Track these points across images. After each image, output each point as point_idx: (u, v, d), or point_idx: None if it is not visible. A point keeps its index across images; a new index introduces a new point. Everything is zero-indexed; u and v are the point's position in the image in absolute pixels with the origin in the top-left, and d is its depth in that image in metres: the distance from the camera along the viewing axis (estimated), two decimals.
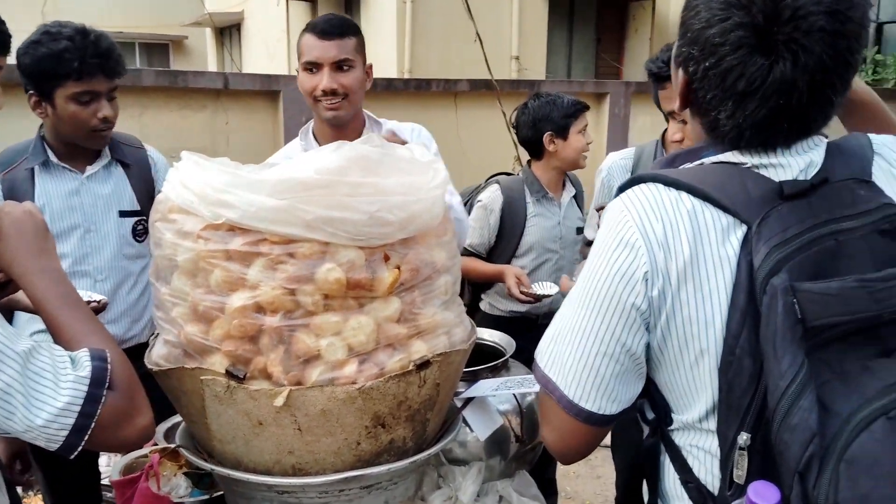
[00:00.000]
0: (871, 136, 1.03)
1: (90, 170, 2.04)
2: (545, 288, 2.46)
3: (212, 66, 14.39)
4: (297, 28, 10.96)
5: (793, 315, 0.84)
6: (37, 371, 0.95)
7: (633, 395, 1.03)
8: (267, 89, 5.22)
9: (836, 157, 0.96)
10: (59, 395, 0.95)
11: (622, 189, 1.03)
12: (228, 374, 1.11)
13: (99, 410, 0.98)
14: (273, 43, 11.54)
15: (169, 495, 1.30)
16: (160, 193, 1.24)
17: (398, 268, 1.18)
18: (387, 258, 1.17)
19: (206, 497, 1.36)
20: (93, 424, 0.97)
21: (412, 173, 1.22)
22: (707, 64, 0.93)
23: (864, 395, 0.84)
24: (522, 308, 2.55)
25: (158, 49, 16.21)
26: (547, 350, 1.05)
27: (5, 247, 1.08)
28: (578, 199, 2.74)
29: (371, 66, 2.03)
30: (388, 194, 1.15)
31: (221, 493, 1.35)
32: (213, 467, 1.21)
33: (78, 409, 0.96)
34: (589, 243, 2.54)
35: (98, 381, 0.99)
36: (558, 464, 3.07)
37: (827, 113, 0.95)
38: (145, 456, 1.47)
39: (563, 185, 2.70)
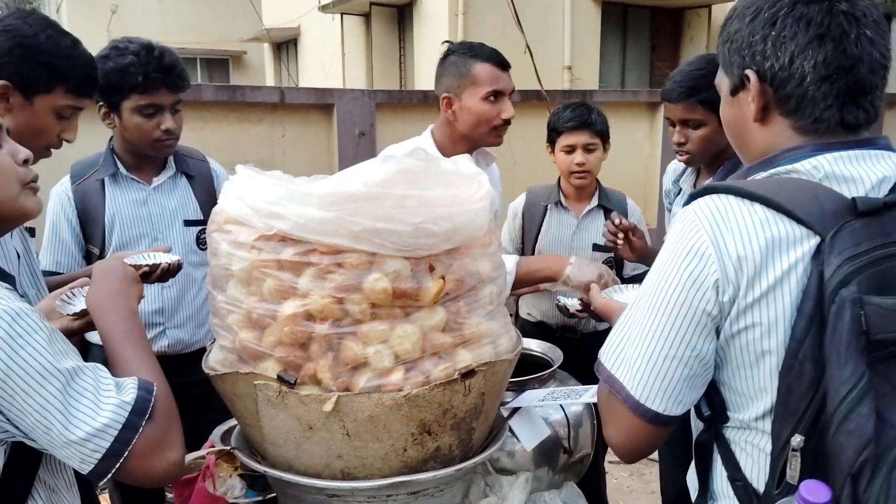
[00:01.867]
0: None
1: (156, 181, 2.14)
2: (575, 301, 2.42)
3: (269, 81, 14.77)
4: (351, 43, 11.19)
5: (858, 326, 0.88)
6: (78, 390, 1.00)
7: (696, 397, 1.07)
8: (322, 103, 5.33)
9: None
10: (98, 415, 0.99)
11: (693, 197, 1.07)
12: (280, 379, 1.15)
13: (135, 439, 1.01)
14: (328, 58, 11.78)
15: (225, 496, 1.35)
16: (217, 205, 1.29)
17: (443, 278, 1.20)
18: (432, 268, 1.20)
19: (260, 498, 1.40)
20: (126, 452, 1.01)
21: (457, 185, 1.24)
22: (786, 57, 1.02)
23: None
24: (555, 315, 2.55)
25: (219, 64, 16.73)
26: (614, 351, 1.09)
27: (93, 290, 1.22)
28: (612, 215, 2.61)
29: None
30: (433, 206, 1.17)
31: (274, 494, 1.39)
32: (266, 470, 1.25)
33: (115, 433, 1.00)
34: None
35: (139, 411, 1.03)
36: (610, 479, 3.04)
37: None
38: (202, 457, 1.52)
39: (592, 197, 2.63)
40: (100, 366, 1.06)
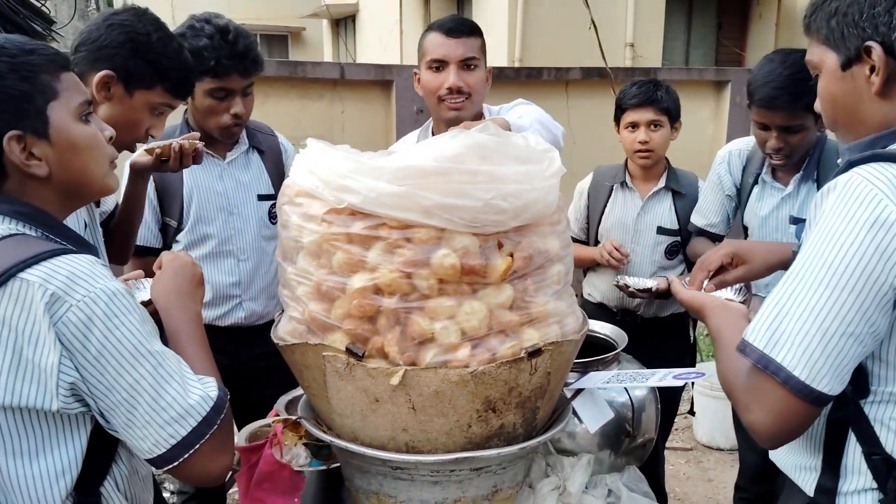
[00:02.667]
0: None
1: (230, 156, 2.17)
2: (640, 282, 2.38)
3: (327, 57, 14.87)
4: (409, 18, 11.16)
5: None
6: (166, 374, 1.03)
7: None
8: (381, 79, 5.34)
9: None
10: (186, 399, 1.04)
11: (853, 164, 1.04)
12: (348, 351, 1.17)
13: (208, 435, 1.05)
14: (386, 34, 11.77)
15: (290, 463, 1.38)
16: (288, 178, 1.30)
17: (511, 255, 1.19)
18: (500, 245, 1.19)
19: (324, 467, 1.43)
20: (198, 445, 1.05)
21: (527, 161, 1.23)
22: None
23: None
24: (615, 297, 2.52)
25: (278, 40, 16.90)
26: (768, 330, 1.04)
27: (161, 284, 1.25)
28: (680, 199, 2.51)
29: (490, 69, 2.07)
30: (504, 182, 1.16)
31: (338, 464, 1.41)
32: (333, 440, 1.27)
33: (194, 423, 1.04)
34: (699, 231, 2.42)
35: (218, 409, 1.08)
36: (667, 465, 3.00)
37: None
38: (268, 425, 1.56)
39: (660, 178, 2.53)
40: (177, 354, 1.10)
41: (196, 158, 1.81)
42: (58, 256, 1.01)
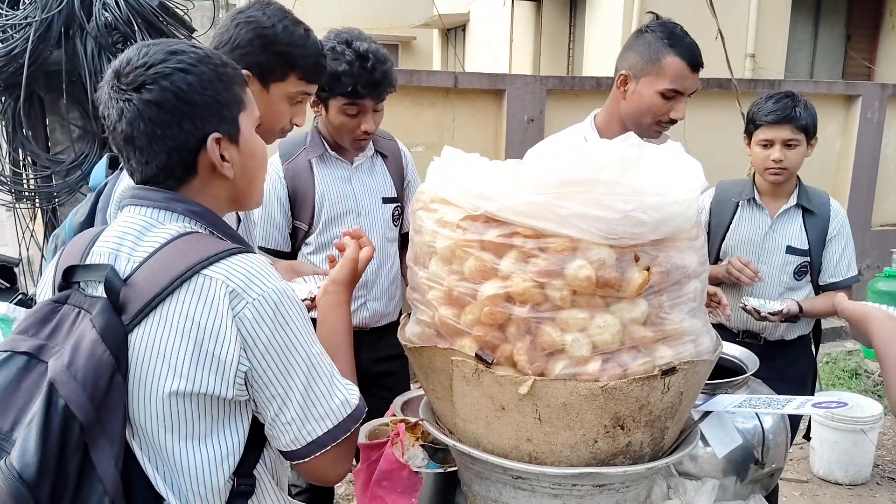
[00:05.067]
0: None
1: (357, 160, 2.25)
2: (768, 305, 2.26)
3: (436, 66, 15.08)
4: (520, 28, 11.15)
5: None
6: (319, 374, 1.11)
7: None
8: (493, 88, 5.36)
9: None
10: (331, 401, 1.11)
11: None
12: (478, 357, 1.17)
13: (340, 439, 1.11)
14: (496, 43, 11.82)
15: (408, 463, 1.40)
16: (423, 184, 1.33)
17: (648, 269, 1.16)
18: (637, 259, 1.16)
19: (441, 470, 1.44)
20: (329, 447, 1.10)
21: (668, 174, 1.20)
22: None
23: None
24: (737, 318, 2.41)
25: (390, 49, 17.24)
26: None
27: (335, 291, 1.36)
28: (811, 217, 2.40)
29: None
30: (644, 194, 1.13)
31: (454, 468, 1.42)
32: (455, 443, 1.27)
33: (331, 425, 1.10)
34: None
35: (356, 417, 1.14)
36: (780, 497, 2.84)
37: None
38: (386, 425, 1.59)
39: (790, 196, 2.41)
40: (327, 355, 1.15)
41: None
42: (235, 255, 1.07)
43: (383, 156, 2.29)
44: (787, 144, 2.30)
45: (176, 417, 1.05)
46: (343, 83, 2.01)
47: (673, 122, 1.99)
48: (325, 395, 1.10)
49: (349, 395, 1.14)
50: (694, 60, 1.93)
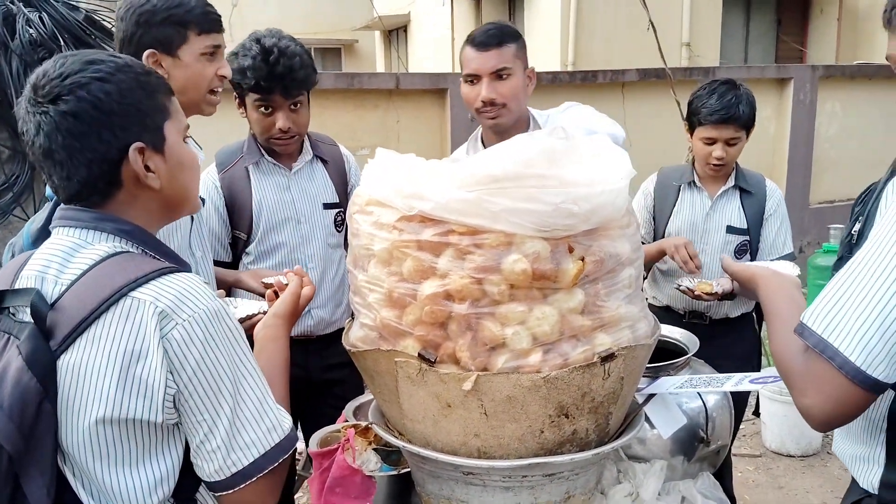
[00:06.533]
0: None
1: (296, 166, 2.23)
2: (703, 284, 2.30)
3: (380, 67, 15.05)
4: (461, 26, 11.20)
5: None
6: (245, 400, 1.06)
7: None
8: (435, 87, 5.39)
9: None
10: (259, 427, 1.06)
11: None
12: (420, 357, 1.17)
13: (267, 471, 1.06)
14: (438, 43, 11.85)
15: (361, 468, 1.40)
16: (358, 187, 1.32)
17: (582, 259, 1.18)
18: (571, 250, 1.18)
19: (395, 472, 1.44)
20: (254, 479, 1.05)
21: (596, 164, 1.22)
22: None
23: None
24: (682, 299, 2.47)
25: (332, 53, 17.20)
26: (828, 315, 1.05)
27: (275, 322, 1.33)
28: (748, 197, 2.47)
29: (533, 70, 2.08)
30: (573, 186, 1.15)
31: (408, 469, 1.42)
32: (405, 445, 1.28)
33: (257, 455, 1.06)
34: None
35: (284, 448, 1.09)
36: (735, 472, 2.93)
37: None
38: (338, 431, 1.58)
39: (728, 178, 2.49)
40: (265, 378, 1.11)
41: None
42: (165, 275, 1.04)
43: (323, 161, 2.27)
44: (728, 143, 2.36)
45: (105, 444, 1.02)
46: (248, 78, 2.04)
47: (488, 104, 1.96)
48: (253, 421, 1.06)
49: (280, 421, 1.09)
50: (479, 40, 1.96)
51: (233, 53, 2.07)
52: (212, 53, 1.70)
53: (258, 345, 1.28)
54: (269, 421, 1.08)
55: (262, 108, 2.09)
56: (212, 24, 1.71)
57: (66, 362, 1.00)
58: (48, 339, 1.01)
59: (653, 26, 3.67)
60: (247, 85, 2.06)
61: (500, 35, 1.97)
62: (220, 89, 1.75)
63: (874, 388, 1.02)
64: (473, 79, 1.98)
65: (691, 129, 2.45)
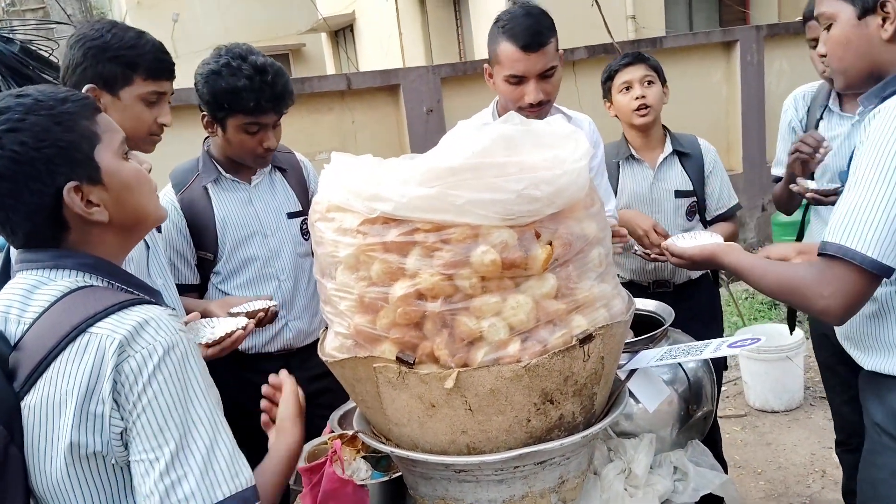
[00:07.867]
0: None
1: (255, 179, 2.17)
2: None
3: (330, 69, 14.91)
4: (407, 20, 11.14)
5: None
6: (191, 447, 0.98)
7: None
8: (387, 84, 5.35)
9: None
10: (188, 480, 0.96)
11: (886, 97, 1.34)
12: (399, 360, 1.16)
13: None
14: (385, 39, 11.77)
15: (352, 478, 1.38)
16: (317, 195, 1.30)
17: (550, 244, 1.17)
18: (538, 235, 1.17)
19: (386, 478, 1.43)
20: None
21: (554, 147, 1.21)
22: None
23: None
24: (644, 271, 2.52)
25: (279, 59, 16.87)
26: (845, 227, 1.29)
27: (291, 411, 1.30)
28: (687, 160, 2.52)
29: (562, 53, 2.06)
30: (534, 170, 1.14)
31: (400, 474, 1.41)
32: (393, 450, 1.26)
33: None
34: (777, 180, 2.49)
35: (245, 499, 1.00)
36: (722, 434, 2.96)
37: None
38: (325, 443, 1.56)
39: (664, 145, 2.53)
40: (230, 434, 1.04)
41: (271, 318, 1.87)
42: (126, 308, 1.00)
43: (282, 170, 2.22)
44: (644, 82, 2.41)
45: (77, 486, 0.98)
46: (244, 99, 1.93)
47: (535, 105, 1.95)
48: (197, 471, 0.95)
49: (232, 475, 0.98)
50: (525, 42, 1.89)
51: (213, 73, 1.95)
52: (154, 101, 1.68)
53: (276, 455, 1.23)
54: (217, 474, 0.97)
55: (251, 129, 1.99)
56: (161, 71, 1.68)
57: (28, 403, 0.97)
58: (11, 380, 0.97)
59: (597, 2, 3.68)
60: (239, 107, 1.95)
61: (544, 31, 1.93)
62: (160, 135, 1.74)
63: (887, 273, 1.27)
64: (519, 80, 1.94)
65: (609, 98, 2.51)
